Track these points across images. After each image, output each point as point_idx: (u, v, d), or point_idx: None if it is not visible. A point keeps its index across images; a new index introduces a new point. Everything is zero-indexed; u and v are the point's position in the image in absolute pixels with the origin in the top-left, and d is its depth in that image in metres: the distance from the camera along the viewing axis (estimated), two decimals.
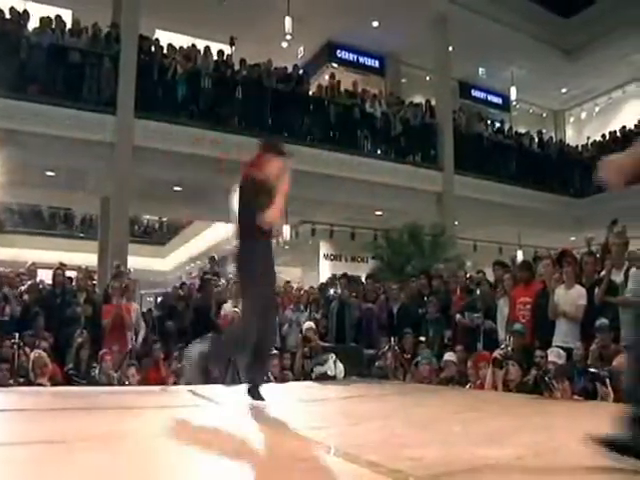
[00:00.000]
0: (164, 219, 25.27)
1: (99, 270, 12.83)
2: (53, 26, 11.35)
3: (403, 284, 9.40)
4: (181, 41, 13.48)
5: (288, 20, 14.34)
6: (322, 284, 11.15)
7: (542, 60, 17.90)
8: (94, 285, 9.39)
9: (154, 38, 12.88)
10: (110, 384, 6.84)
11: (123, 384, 7.00)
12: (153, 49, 12.26)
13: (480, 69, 19.09)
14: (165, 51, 12.25)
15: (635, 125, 16.65)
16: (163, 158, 11.34)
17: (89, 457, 2.61)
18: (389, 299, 9.14)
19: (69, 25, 11.75)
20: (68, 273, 8.91)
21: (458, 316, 7.74)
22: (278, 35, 14.69)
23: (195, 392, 5.33)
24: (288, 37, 14.76)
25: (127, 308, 8.18)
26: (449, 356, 7.13)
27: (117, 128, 11.06)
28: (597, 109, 20.90)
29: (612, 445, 2.31)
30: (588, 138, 18.87)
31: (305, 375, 7.75)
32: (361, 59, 18.17)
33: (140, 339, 8.25)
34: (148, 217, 25.31)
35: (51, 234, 22.92)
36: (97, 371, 7.10)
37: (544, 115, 22.34)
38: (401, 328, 8.31)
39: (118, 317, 7.99)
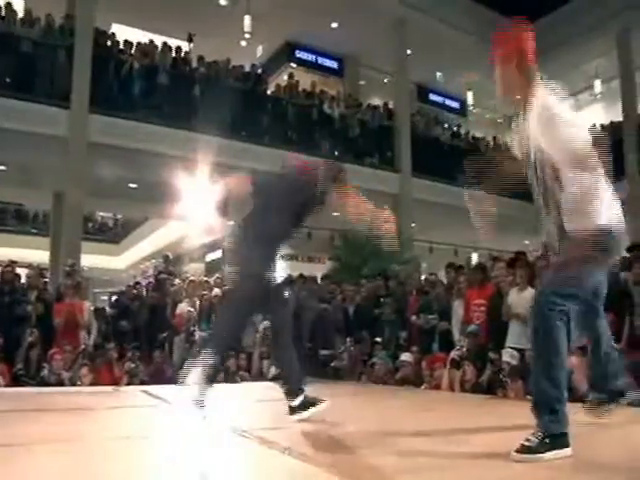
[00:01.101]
0: (119, 217, 24.85)
1: (51, 268, 12.54)
2: (3, 14, 11.01)
3: (359, 285, 9.44)
4: (138, 36, 13.26)
5: (247, 19, 14.26)
6: (278, 284, 11.09)
7: None
8: (45, 283, 9.15)
9: (110, 32, 12.63)
10: (60, 384, 6.69)
11: (74, 384, 6.86)
12: (109, 43, 12.02)
13: (438, 73, 19.32)
14: (122, 46, 12.03)
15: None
16: (118, 154, 11.13)
17: (40, 460, 2.55)
18: (345, 300, 9.17)
19: (20, 14, 11.37)
20: (18, 270, 8.68)
21: (413, 317, 7.80)
22: (237, 33, 14.59)
23: (149, 392, 5.27)
24: (247, 36, 14.68)
25: (80, 307, 8.02)
26: (405, 357, 7.18)
27: (71, 123, 10.79)
28: None
29: None
30: None
31: (261, 375, 7.74)
32: (320, 60, 18.17)
33: (93, 338, 8.10)
34: (102, 214, 24.86)
35: (1, 230, 22.29)
36: (46, 371, 6.94)
37: (500, 120, 22.73)
38: (357, 329, 8.35)
39: (70, 316, 7.82)
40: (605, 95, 18.30)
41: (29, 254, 17.60)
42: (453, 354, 6.40)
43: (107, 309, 9.58)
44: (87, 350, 7.68)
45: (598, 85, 17.87)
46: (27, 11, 11.54)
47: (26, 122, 10.26)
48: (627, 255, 6.71)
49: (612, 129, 16.33)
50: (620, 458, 2.63)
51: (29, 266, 9.24)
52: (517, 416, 4.20)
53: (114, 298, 10.24)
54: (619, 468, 2.41)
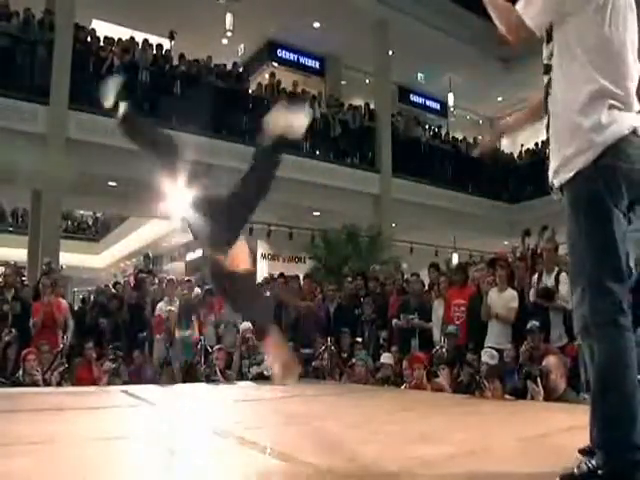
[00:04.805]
0: (98, 215, 24.65)
1: (29, 266, 12.38)
2: None
3: (340, 284, 9.45)
4: (119, 33, 13.14)
5: (229, 17, 14.20)
6: (259, 284, 11.09)
7: (479, 68, 18.35)
8: (23, 282, 9.04)
9: (91, 28, 12.49)
10: (34, 385, 6.58)
11: (49, 385, 6.76)
12: (89, 39, 11.89)
13: (419, 74, 19.42)
14: (102, 43, 11.90)
15: None
16: (98, 152, 11.00)
17: (17, 462, 2.52)
18: (326, 299, 9.17)
19: None
20: None
21: (395, 321, 7.82)
22: (219, 32, 14.54)
23: (129, 392, 5.23)
24: (229, 34, 14.63)
25: (58, 306, 7.93)
26: (385, 359, 7.19)
27: (50, 119, 10.68)
28: None
29: None
30: (522, 146, 19.44)
31: (242, 375, 7.71)
32: (302, 59, 18.16)
33: (70, 338, 8.00)
34: (82, 212, 24.63)
35: None
36: (20, 372, 6.80)
37: (480, 122, 22.90)
38: (338, 328, 8.36)
39: (48, 315, 7.73)
40: None
41: (6, 252, 17.41)
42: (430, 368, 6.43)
43: (85, 308, 9.49)
44: (65, 349, 7.59)
45: None
46: (3, 4, 11.33)
47: (4, 118, 10.14)
48: None
49: None
50: None
51: (6, 264, 9.10)
52: (495, 415, 4.25)
53: (93, 297, 10.15)
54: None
